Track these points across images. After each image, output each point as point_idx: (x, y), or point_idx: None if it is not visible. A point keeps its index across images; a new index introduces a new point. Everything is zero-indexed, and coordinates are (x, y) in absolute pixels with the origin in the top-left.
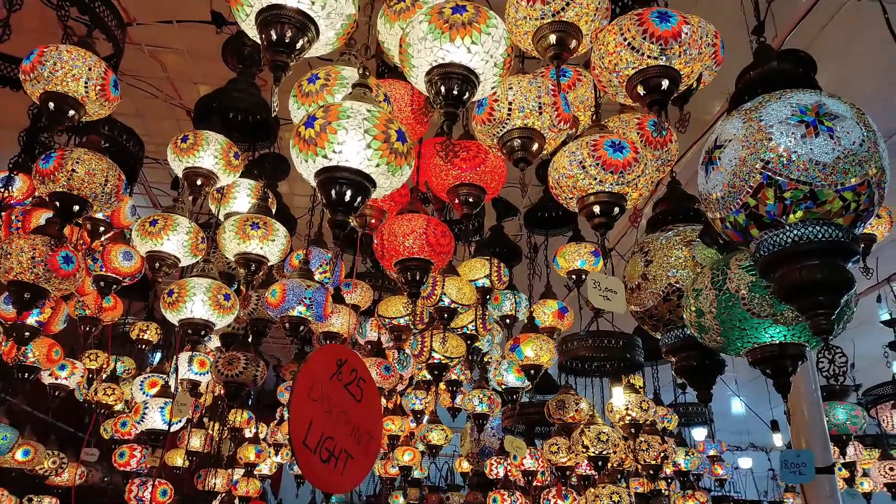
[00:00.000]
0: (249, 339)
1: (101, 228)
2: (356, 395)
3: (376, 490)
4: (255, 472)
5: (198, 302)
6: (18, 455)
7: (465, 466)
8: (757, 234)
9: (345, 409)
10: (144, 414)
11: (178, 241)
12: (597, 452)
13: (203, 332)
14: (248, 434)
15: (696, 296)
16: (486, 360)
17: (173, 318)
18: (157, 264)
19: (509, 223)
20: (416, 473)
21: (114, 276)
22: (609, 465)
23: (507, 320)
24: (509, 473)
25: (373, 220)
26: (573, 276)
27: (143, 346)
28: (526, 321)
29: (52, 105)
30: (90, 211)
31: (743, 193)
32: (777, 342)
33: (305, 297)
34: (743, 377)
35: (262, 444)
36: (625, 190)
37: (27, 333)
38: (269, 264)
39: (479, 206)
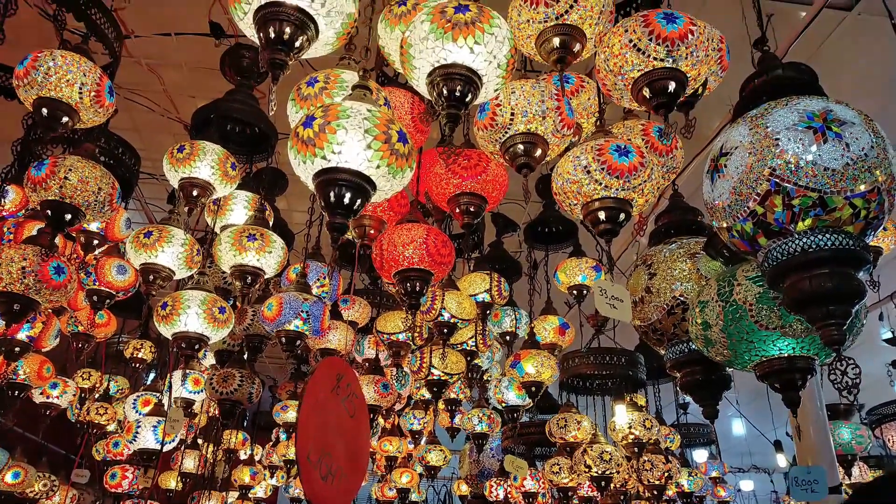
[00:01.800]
0: (245, 356)
1: (95, 241)
2: (350, 410)
3: None
4: (249, 495)
5: (192, 315)
6: (8, 477)
7: (464, 489)
8: (765, 243)
9: (340, 423)
10: (137, 433)
11: (172, 253)
12: (599, 472)
13: (197, 346)
14: (243, 456)
15: (701, 308)
16: (485, 378)
17: (167, 331)
18: (151, 277)
19: (509, 239)
20: (413, 496)
21: (107, 290)
22: (612, 485)
23: (508, 337)
24: (509, 495)
25: (372, 231)
26: (574, 292)
27: (138, 365)
28: (526, 338)
29: (45, 111)
30: (83, 220)
31: (750, 201)
32: (786, 355)
33: (302, 311)
34: (744, 397)
35: (258, 466)
36: (631, 195)
37: (17, 349)
38: (266, 277)
39: (479, 215)
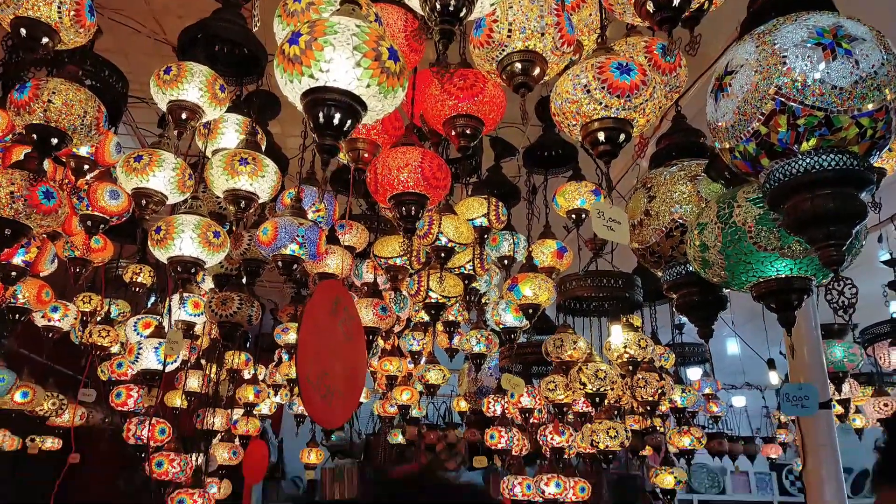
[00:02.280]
0: (243, 280)
1: (86, 166)
2: (347, 333)
3: (375, 428)
4: (254, 412)
5: (186, 239)
6: (17, 397)
7: (463, 406)
8: (767, 164)
9: (337, 346)
10: (139, 354)
11: (164, 177)
12: (594, 389)
13: (193, 270)
14: (246, 375)
15: (700, 230)
16: (483, 301)
17: (162, 256)
18: (144, 201)
19: (508, 164)
20: (414, 412)
21: (101, 215)
22: (606, 402)
23: (505, 261)
24: (506, 411)
25: (366, 154)
26: (573, 216)
27: (138, 289)
28: (524, 262)
29: (23, 31)
30: (70, 145)
31: (754, 121)
32: (783, 276)
33: (298, 235)
34: (740, 318)
35: (261, 385)
36: (632, 115)
37: (14, 273)
38: (260, 202)
39: (476, 138)
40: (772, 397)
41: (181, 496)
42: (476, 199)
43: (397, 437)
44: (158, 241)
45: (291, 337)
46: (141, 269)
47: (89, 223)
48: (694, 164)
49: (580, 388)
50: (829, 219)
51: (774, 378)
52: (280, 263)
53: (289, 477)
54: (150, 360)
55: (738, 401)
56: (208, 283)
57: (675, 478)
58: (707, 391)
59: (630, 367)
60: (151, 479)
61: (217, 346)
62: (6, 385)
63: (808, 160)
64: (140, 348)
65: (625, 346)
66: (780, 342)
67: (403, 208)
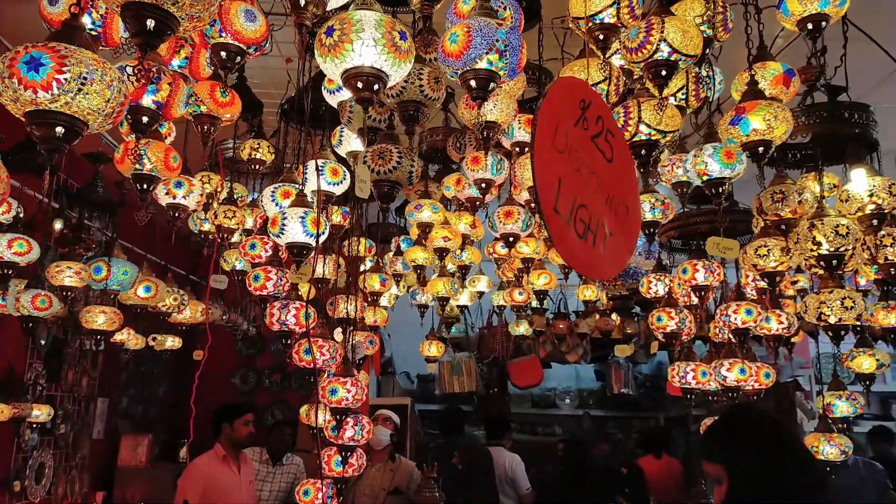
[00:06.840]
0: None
1: None
2: (605, 152)
3: (486, 321)
4: (378, 303)
5: (367, 43)
6: (140, 291)
7: (588, 294)
8: None
9: (594, 169)
10: (283, 226)
11: None
12: (832, 249)
13: (376, 87)
14: (368, 264)
15: None
16: (653, 157)
17: (334, 68)
18: (304, 1)
19: None
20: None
21: (236, 43)
22: (840, 265)
23: None
24: (672, 290)
25: None
26: (808, 25)
27: (257, 167)
28: (742, 93)
29: None
30: None
31: None
32: None
33: (497, 40)
34: None
35: (386, 273)
36: None
37: (145, 118)
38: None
39: None
40: None
41: (333, 385)
42: None
43: (519, 329)
44: (331, 46)
45: (426, 215)
46: (259, 143)
47: (223, 55)
48: None
49: (812, 250)
50: None
51: None
52: (473, 82)
53: (398, 372)
54: (296, 231)
55: None
56: (345, 147)
57: (878, 360)
58: None
59: (874, 221)
60: (294, 369)
61: (340, 231)
62: (130, 278)
63: None
64: (284, 219)
65: (870, 194)
66: None
67: None
